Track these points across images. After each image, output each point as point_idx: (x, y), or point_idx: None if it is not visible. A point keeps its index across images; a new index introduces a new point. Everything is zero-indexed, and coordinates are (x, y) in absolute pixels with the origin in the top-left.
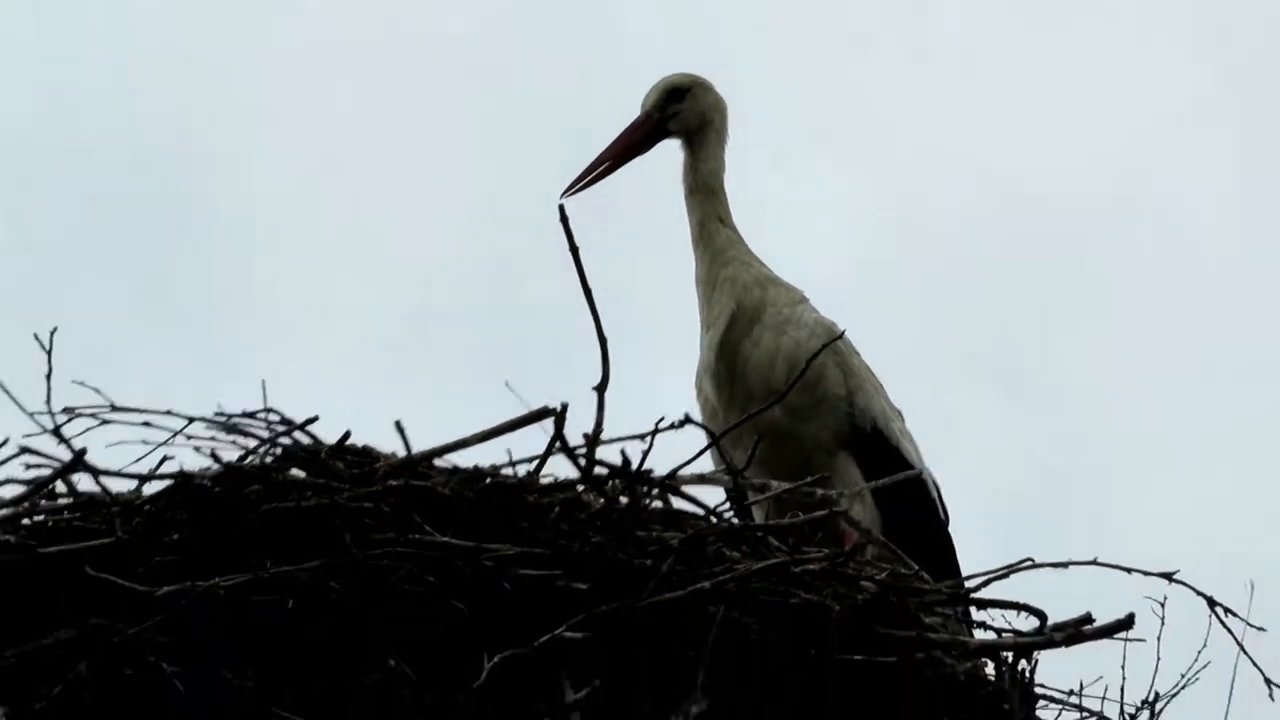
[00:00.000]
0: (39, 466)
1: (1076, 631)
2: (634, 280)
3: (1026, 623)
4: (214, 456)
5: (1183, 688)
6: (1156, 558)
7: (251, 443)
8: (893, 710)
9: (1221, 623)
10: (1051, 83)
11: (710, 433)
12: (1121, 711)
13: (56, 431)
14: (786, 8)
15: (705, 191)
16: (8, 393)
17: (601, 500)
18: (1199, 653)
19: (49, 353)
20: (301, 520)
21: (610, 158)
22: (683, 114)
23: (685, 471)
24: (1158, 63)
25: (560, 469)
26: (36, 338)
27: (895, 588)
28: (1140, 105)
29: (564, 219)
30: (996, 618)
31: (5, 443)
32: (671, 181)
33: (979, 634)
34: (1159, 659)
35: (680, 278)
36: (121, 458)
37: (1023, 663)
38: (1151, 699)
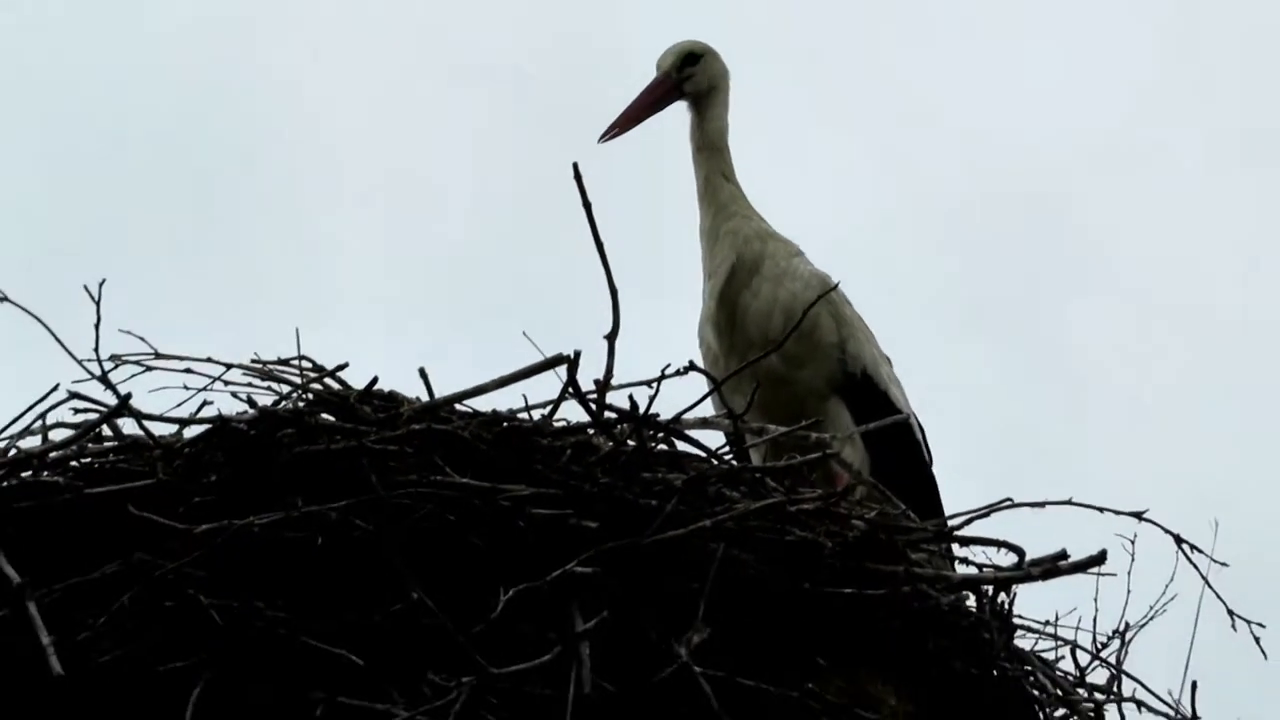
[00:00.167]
0: (87, 411)
1: (1052, 566)
2: (642, 235)
3: (1006, 558)
4: (250, 402)
5: (1151, 619)
6: (1127, 498)
7: (285, 389)
8: (881, 640)
9: (1188, 558)
10: (1041, 49)
11: (712, 379)
12: (1094, 641)
13: (103, 378)
14: None
15: (711, 149)
16: (59, 341)
17: (610, 443)
18: (1166, 586)
19: (97, 303)
20: (331, 462)
21: (636, 111)
22: (696, 77)
23: (688, 416)
24: (1141, 30)
25: (572, 413)
26: (86, 289)
27: (884, 526)
28: (1123, 72)
29: (578, 177)
30: (978, 554)
31: (55, 388)
32: (675, 143)
33: (961, 569)
34: (1129, 592)
35: (684, 235)
36: (164, 403)
37: (1002, 596)
38: (1122, 629)
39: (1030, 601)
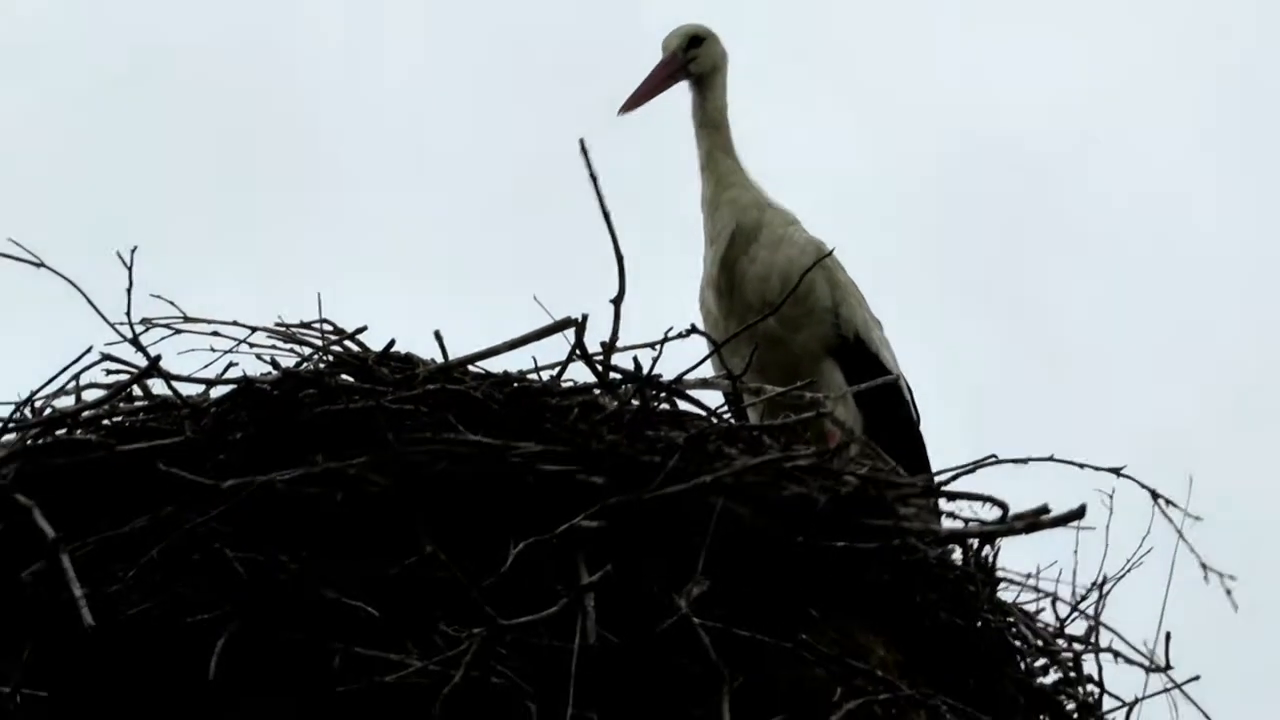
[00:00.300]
0: (118, 372)
1: (1034, 521)
2: (645, 206)
3: (990, 513)
4: (273, 363)
5: (1128, 571)
6: (1106, 454)
7: (307, 350)
8: (871, 592)
9: (1163, 513)
10: (1021, 23)
11: (712, 341)
12: (1073, 594)
13: (134, 340)
14: None
15: (713, 125)
16: (92, 304)
17: (615, 403)
18: (1143, 540)
19: (129, 269)
20: (350, 420)
21: (649, 88)
22: (700, 58)
23: (689, 377)
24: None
25: (579, 374)
26: (118, 254)
27: (874, 481)
28: (1103, 49)
29: (584, 151)
30: (963, 508)
31: (89, 350)
32: (674, 119)
33: (948, 523)
34: (1107, 546)
35: (685, 205)
36: (192, 364)
37: (986, 549)
38: (1100, 581)
39: (1013, 555)
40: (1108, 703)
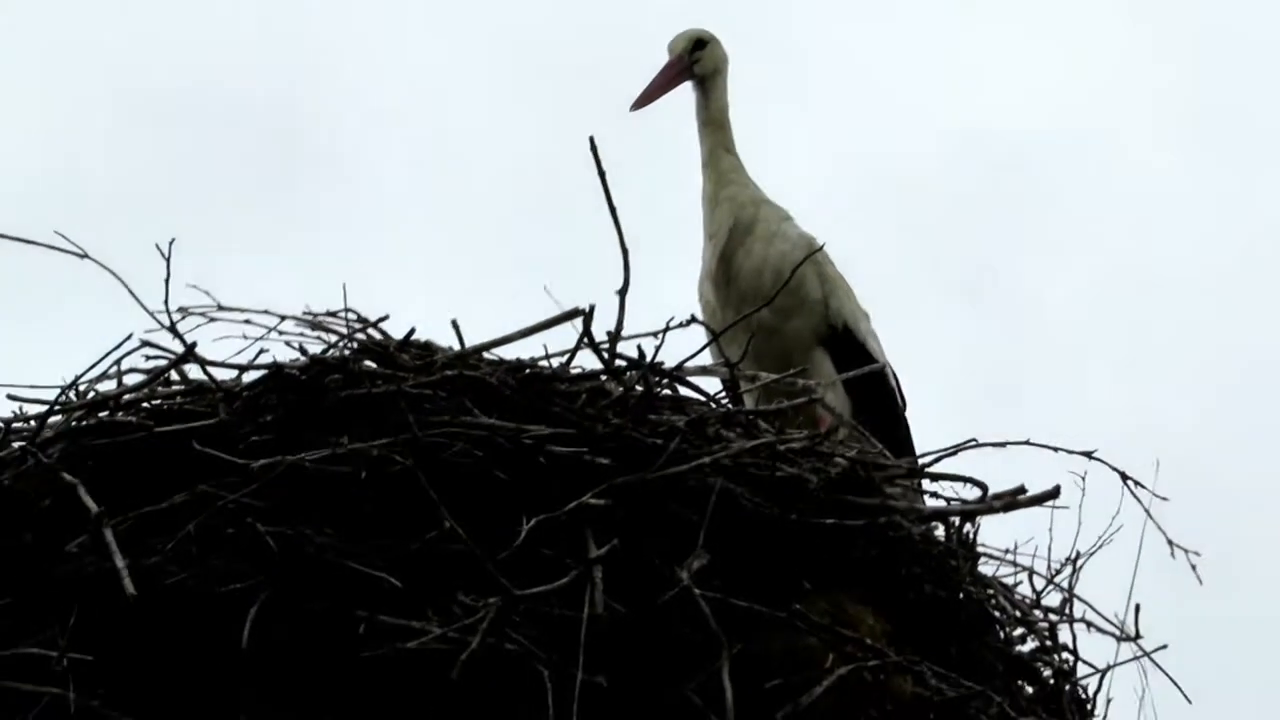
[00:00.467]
0: (157, 358)
1: (1012, 500)
2: (648, 201)
3: (970, 493)
4: (301, 350)
5: (1100, 548)
6: (1079, 438)
7: (332, 338)
8: (860, 566)
9: (1132, 494)
10: (1006, 26)
11: (711, 331)
12: (1048, 568)
13: (172, 328)
14: None
15: (715, 125)
16: (132, 294)
17: (620, 388)
18: (1113, 519)
19: (167, 260)
20: (373, 404)
21: (656, 88)
22: (704, 60)
23: (690, 364)
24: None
25: (587, 361)
26: (157, 247)
27: (862, 463)
28: (1085, 51)
29: (593, 149)
30: (946, 488)
31: (129, 338)
32: (676, 121)
33: (931, 502)
34: (1080, 524)
35: (685, 200)
36: (225, 350)
37: (967, 526)
38: (1074, 557)
39: (992, 532)
40: (1081, 670)
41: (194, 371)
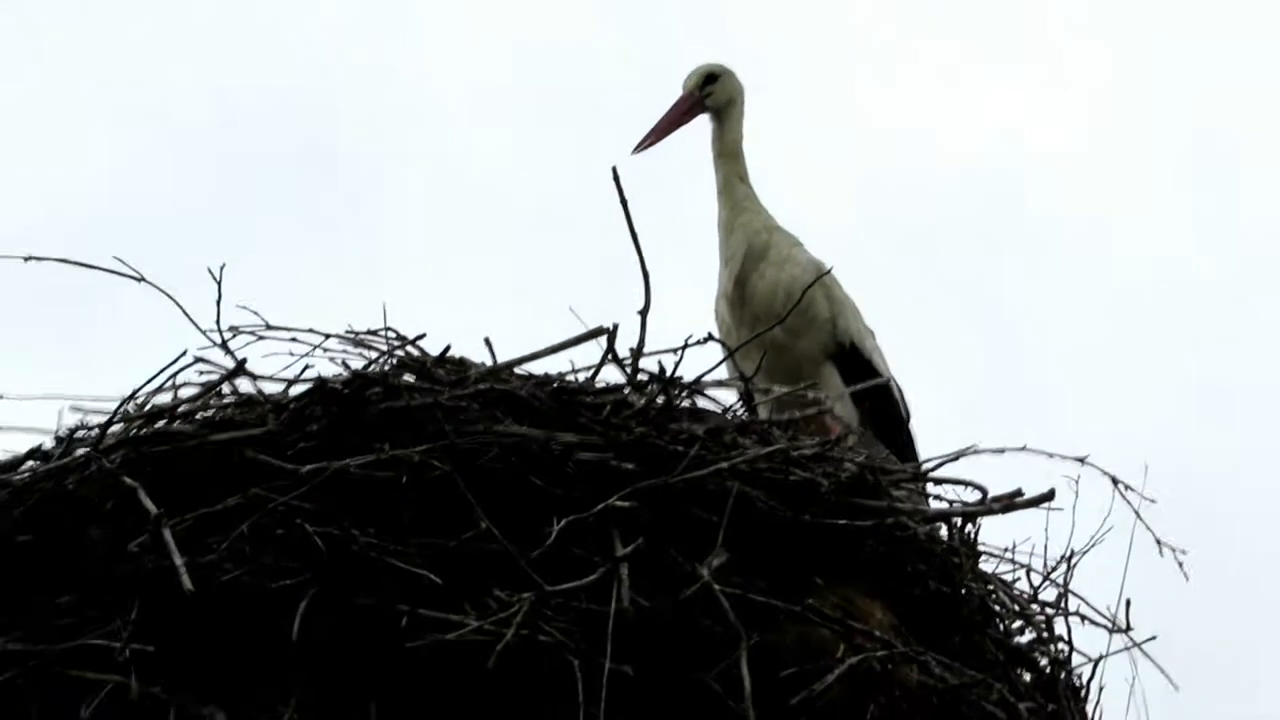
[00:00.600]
0: (210, 373)
1: (1010, 502)
2: (669, 226)
3: (971, 495)
4: (345, 365)
5: (1092, 546)
6: (1072, 443)
7: (373, 354)
8: (868, 564)
9: (1123, 496)
10: (996, 64)
11: (726, 347)
12: (1044, 565)
13: (224, 345)
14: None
15: (730, 155)
16: (187, 314)
17: (643, 400)
18: (1105, 519)
19: (219, 282)
20: (411, 415)
21: (665, 125)
22: (716, 94)
23: (707, 378)
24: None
25: (611, 376)
26: (209, 270)
27: (870, 468)
28: (1069, 85)
29: (616, 178)
30: (948, 491)
31: (184, 354)
32: (691, 153)
33: (935, 504)
34: (1074, 524)
35: (703, 226)
36: (273, 366)
37: (969, 526)
38: (1068, 555)
39: (991, 532)
40: (1076, 659)
41: (244, 385)
